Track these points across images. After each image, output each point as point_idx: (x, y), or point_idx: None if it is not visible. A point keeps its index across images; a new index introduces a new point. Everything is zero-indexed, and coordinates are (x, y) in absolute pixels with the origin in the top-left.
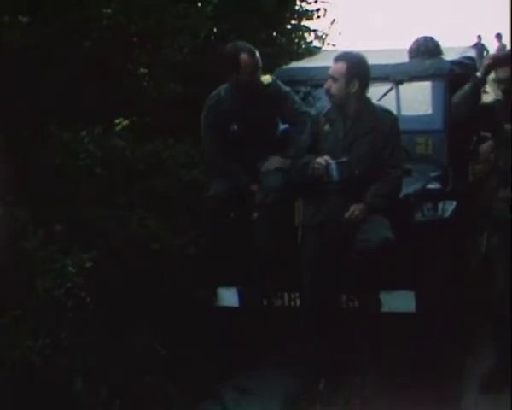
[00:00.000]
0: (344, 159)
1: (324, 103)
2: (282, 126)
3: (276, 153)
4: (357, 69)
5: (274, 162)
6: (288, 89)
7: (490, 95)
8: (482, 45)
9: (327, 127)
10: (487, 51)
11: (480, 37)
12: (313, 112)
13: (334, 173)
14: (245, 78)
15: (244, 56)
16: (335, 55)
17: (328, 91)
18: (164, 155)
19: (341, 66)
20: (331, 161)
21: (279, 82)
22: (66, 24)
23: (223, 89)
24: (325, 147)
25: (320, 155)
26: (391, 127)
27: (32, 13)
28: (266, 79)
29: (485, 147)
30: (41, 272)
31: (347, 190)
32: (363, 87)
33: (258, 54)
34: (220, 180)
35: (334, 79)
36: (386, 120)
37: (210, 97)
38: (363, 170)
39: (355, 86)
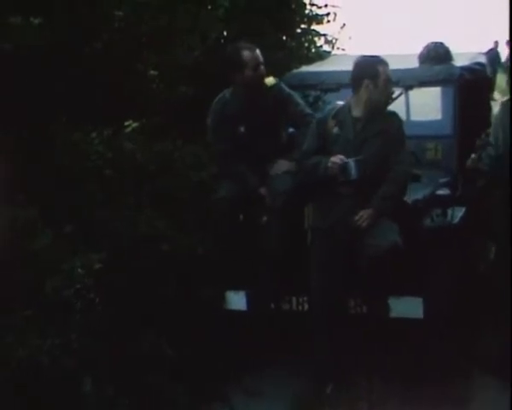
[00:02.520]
0: (360, 157)
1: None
2: (291, 130)
3: (283, 155)
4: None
5: (282, 166)
6: (290, 91)
7: (497, 102)
8: (497, 52)
9: (336, 129)
10: (499, 59)
11: (497, 42)
12: (320, 114)
13: (353, 171)
14: (249, 74)
15: (246, 53)
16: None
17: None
18: (173, 157)
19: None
20: (348, 160)
21: (282, 84)
22: (78, 25)
23: (228, 92)
24: (335, 148)
25: (331, 155)
26: (397, 130)
27: (43, 14)
28: (270, 81)
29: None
30: (50, 273)
31: (357, 193)
32: None
33: (258, 51)
34: (230, 182)
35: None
36: (394, 123)
37: (216, 101)
38: (373, 172)
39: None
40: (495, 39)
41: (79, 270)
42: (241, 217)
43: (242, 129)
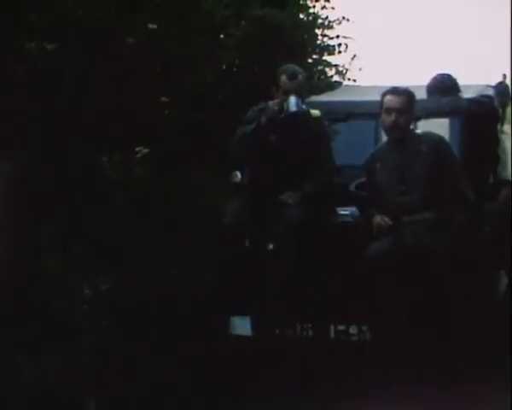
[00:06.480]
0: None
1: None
2: None
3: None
4: (414, 102)
5: (287, 197)
6: (329, 134)
7: (508, 135)
8: (506, 85)
9: (378, 165)
10: (509, 91)
11: (505, 75)
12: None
13: None
14: (279, 97)
15: (283, 78)
16: (386, 89)
17: (394, 125)
18: (183, 184)
19: (405, 99)
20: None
21: (326, 123)
22: (90, 52)
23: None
24: (381, 183)
25: (376, 191)
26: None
27: (57, 40)
28: (315, 113)
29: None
30: (58, 293)
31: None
32: None
33: (302, 79)
34: (236, 207)
35: (401, 112)
36: (432, 142)
37: (253, 109)
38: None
39: (413, 118)
40: (503, 72)
41: (86, 290)
42: (247, 242)
43: (270, 141)
